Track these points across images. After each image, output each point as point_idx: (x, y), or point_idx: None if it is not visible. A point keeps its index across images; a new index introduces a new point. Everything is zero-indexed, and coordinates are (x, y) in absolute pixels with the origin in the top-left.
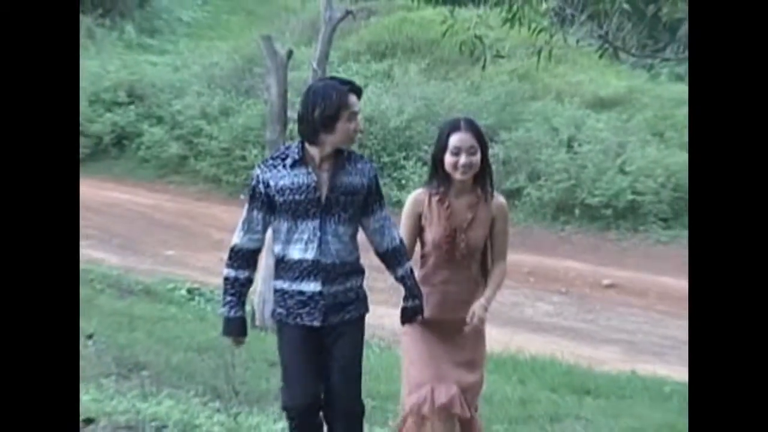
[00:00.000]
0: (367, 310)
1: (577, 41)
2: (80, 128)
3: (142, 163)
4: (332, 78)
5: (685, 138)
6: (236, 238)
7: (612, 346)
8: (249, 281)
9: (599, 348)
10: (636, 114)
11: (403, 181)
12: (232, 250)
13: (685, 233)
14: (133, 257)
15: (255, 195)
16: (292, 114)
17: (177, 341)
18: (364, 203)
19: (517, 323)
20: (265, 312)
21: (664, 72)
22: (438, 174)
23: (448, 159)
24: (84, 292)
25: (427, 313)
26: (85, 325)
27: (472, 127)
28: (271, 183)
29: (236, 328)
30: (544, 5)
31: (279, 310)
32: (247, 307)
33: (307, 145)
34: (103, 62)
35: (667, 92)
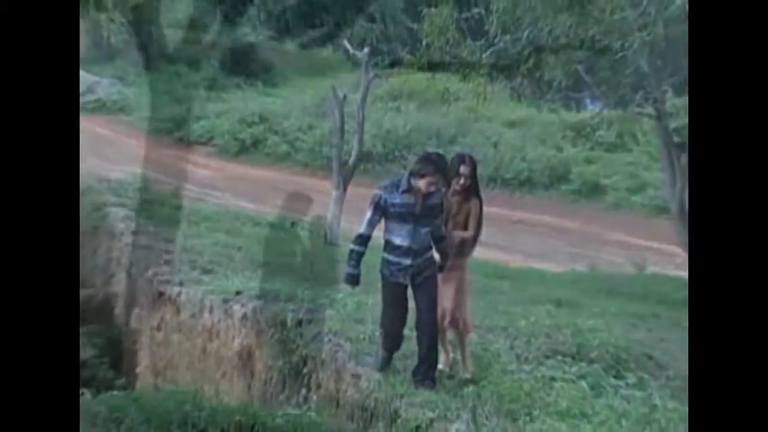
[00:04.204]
0: (436, 270)
1: (499, 90)
2: (233, 136)
3: (266, 156)
4: (434, 154)
5: (557, 141)
6: (362, 229)
7: (518, 253)
8: (363, 254)
9: (512, 254)
10: (530, 129)
11: (406, 166)
12: (359, 236)
13: (556, 193)
14: (262, 205)
15: (377, 206)
16: (347, 127)
17: (284, 251)
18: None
19: None
20: (333, 232)
21: (545, 108)
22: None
23: (454, 179)
24: (232, 225)
25: None
26: (236, 241)
27: (472, 162)
28: (388, 200)
29: (353, 280)
30: (482, 71)
31: (384, 271)
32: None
33: (412, 179)
34: (245, 102)
35: (547, 118)
